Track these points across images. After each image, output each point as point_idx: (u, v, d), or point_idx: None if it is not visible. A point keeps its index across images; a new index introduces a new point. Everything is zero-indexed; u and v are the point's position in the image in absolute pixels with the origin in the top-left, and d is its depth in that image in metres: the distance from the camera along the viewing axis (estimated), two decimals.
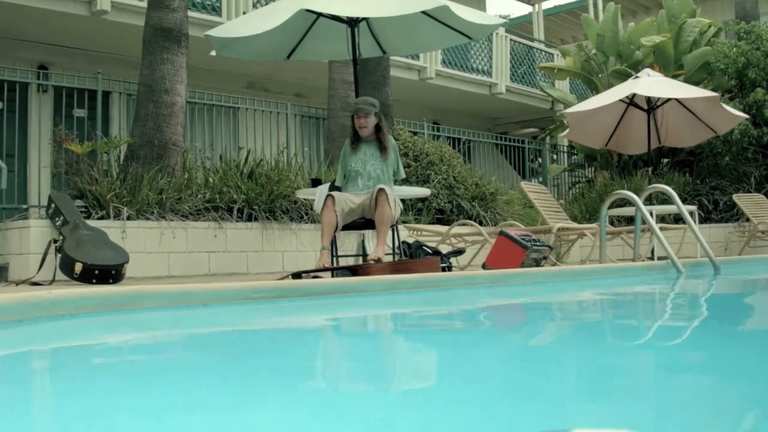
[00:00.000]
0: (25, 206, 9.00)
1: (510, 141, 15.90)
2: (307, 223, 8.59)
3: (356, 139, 6.17)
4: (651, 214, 7.75)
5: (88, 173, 7.43)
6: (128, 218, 7.28)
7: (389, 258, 6.30)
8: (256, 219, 8.19)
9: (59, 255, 6.28)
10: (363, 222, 6.12)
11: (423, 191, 7.49)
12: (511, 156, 15.99)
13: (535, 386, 1.69)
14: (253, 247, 8.12)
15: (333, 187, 6.32)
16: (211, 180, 8.33)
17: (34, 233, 6.83)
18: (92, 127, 9.75)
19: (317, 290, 3.59)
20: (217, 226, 7.87)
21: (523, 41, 18.36)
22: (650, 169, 10.93)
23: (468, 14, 6.71)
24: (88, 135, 9.25)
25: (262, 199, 8.27)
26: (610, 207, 12.67)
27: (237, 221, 8.05)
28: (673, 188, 7.86)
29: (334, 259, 6.31)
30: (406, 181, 9.71)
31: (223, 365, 2.10)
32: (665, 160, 14.33)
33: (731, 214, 12.72)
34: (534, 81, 18.07)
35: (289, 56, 7.85)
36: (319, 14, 7.16)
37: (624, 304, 4.27)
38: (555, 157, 18.18)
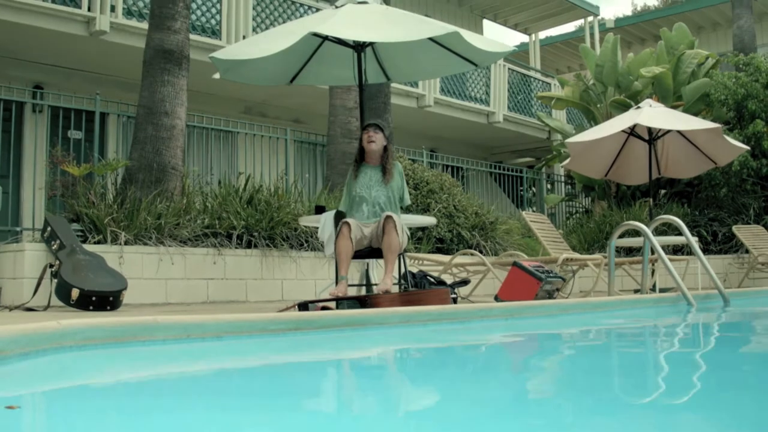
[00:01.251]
0: (18, 229, 8.80)
1: (508, 170, 15.81)
2: (307, 250, 8.43)
3: (360, 162, 6.01)
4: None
5: (84, 196, 7.26)
6: (126, 243, 7.11)
7: (395, 288, 6.13)
8: (255, 246, 8.03)
9: (55, 280, 6.10)
10: (368, 251, 5.96)
11: (429, 220, 7.35)
12: (505, 185, 15.89)
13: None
14: (253, 275, 7.95)
15: (338, 213, 6.17)
16: (209, 205, 8.16)
17: (29, 257, 6.64)
18: (89, 149, 9.59)
19: (334, 322, 3.43)
20: (216, 253, 7.70)
21: (520, 70, 18.35)
22: (651, 199, 10.84)
23: (477, 40, 6.60)
24: (84, 157, 9.09)
25: (262, 226, 8.11)
26: (608, 238, 12.61)
27: (236, 248, 7.89)
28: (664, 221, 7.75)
29: None
30: (407, 210, 9.58)
31: (238, 403, 1.94)
32: (663, 191, 14.27)
33: (730, 245, 12.65)
34: (530, 110, 18.03)
35: (292, 80, 7.70)
36: (325, 38, 7.04)
37: (650, 338, 4.12)
38: (549, 186, 18.10)
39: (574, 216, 16.73)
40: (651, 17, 23.08)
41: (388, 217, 5.59)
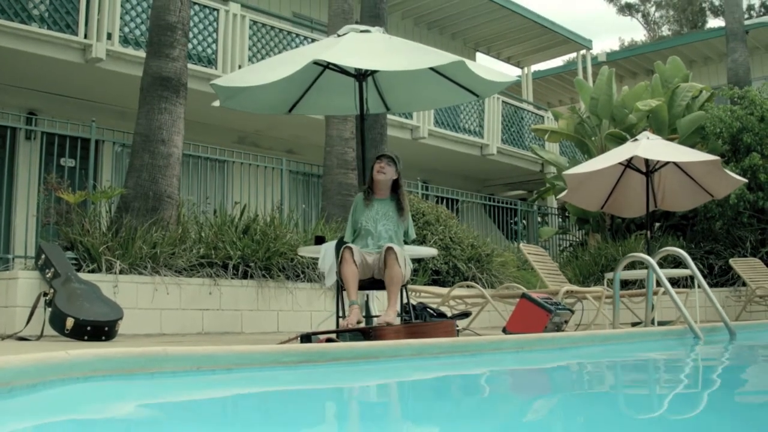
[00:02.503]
0: (9, 256, 8.64)
1: (501, 203, 15.75)
2: (303, 281, 8.30)
3: (370, 193, 5.92)
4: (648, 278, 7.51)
5: (79, 224, 7.12)
6: (120, 272, 6.96)
7: (397, 320, 6.01)
8: (251, 276, 7.89)
9: (49, 309, 5.94)
10: (370, 282, 5.84)
11: (430, 251, 7.24)
12: (497, 218, 15.82)
13: None
14: (248, 306, 7.80)
15: (341, 243, 6.05)
16: (205, 235, 8.03)
17: (22, 285, 6.48)
18: (84, 176, 9.45)
19: (347, 354, 3.31)
20: (212, 283, 7.56)
21: (514, 103, 18.37)
22: (647, 232, 10.77)
23: (480, 70, 6.54)
24: (79, 184, 8.96)
25: (259, 256, 7.98)
26: (603, 270, 12.52)
27: (232, 278, 7.75)
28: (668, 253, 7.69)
29: (339, 320, 5.99)
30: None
31: None
32: (657, 224, 14.23)
33: (726, 278, 12.59)
34: (524, 143, 18.03)
35: (290, 110, 7.60)
36: (326, 67, 6.96)
37: (669, 372, 4.03)
38: (540, 219, 18.05)
39: (567, 249, 16.65)
40: (643, 51, 23.25)
41: (389, 249, 5.49)
